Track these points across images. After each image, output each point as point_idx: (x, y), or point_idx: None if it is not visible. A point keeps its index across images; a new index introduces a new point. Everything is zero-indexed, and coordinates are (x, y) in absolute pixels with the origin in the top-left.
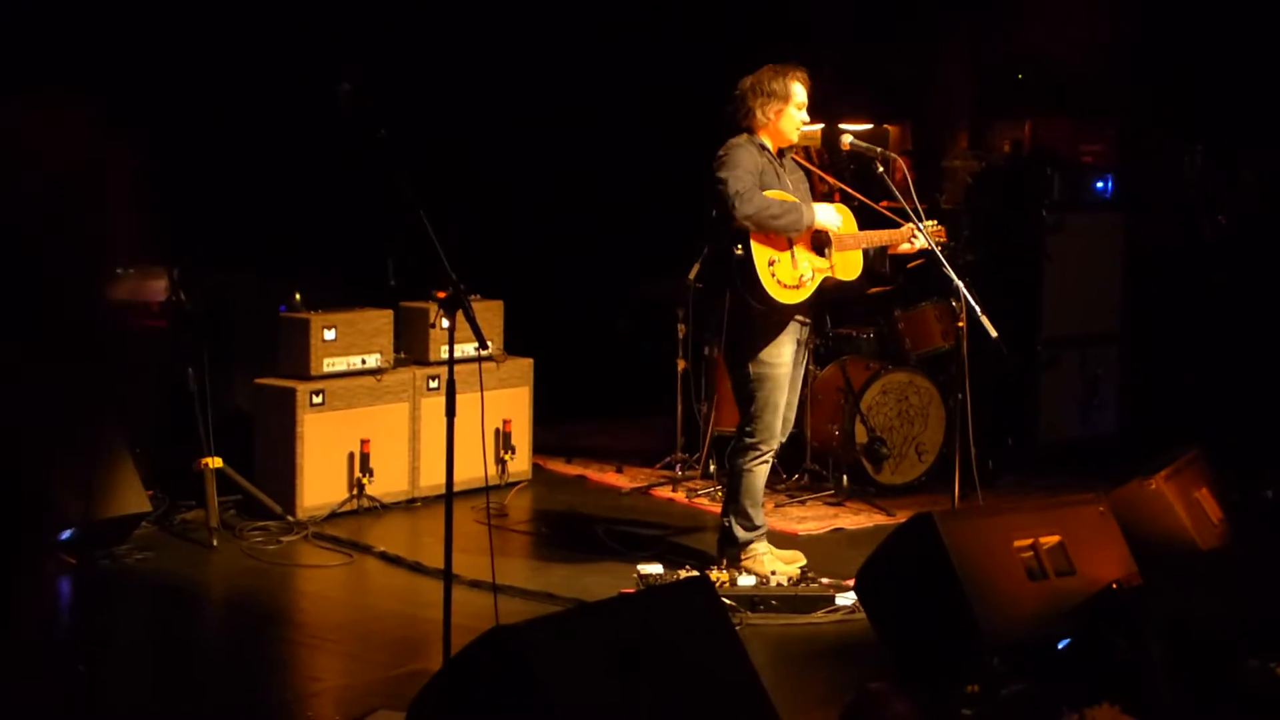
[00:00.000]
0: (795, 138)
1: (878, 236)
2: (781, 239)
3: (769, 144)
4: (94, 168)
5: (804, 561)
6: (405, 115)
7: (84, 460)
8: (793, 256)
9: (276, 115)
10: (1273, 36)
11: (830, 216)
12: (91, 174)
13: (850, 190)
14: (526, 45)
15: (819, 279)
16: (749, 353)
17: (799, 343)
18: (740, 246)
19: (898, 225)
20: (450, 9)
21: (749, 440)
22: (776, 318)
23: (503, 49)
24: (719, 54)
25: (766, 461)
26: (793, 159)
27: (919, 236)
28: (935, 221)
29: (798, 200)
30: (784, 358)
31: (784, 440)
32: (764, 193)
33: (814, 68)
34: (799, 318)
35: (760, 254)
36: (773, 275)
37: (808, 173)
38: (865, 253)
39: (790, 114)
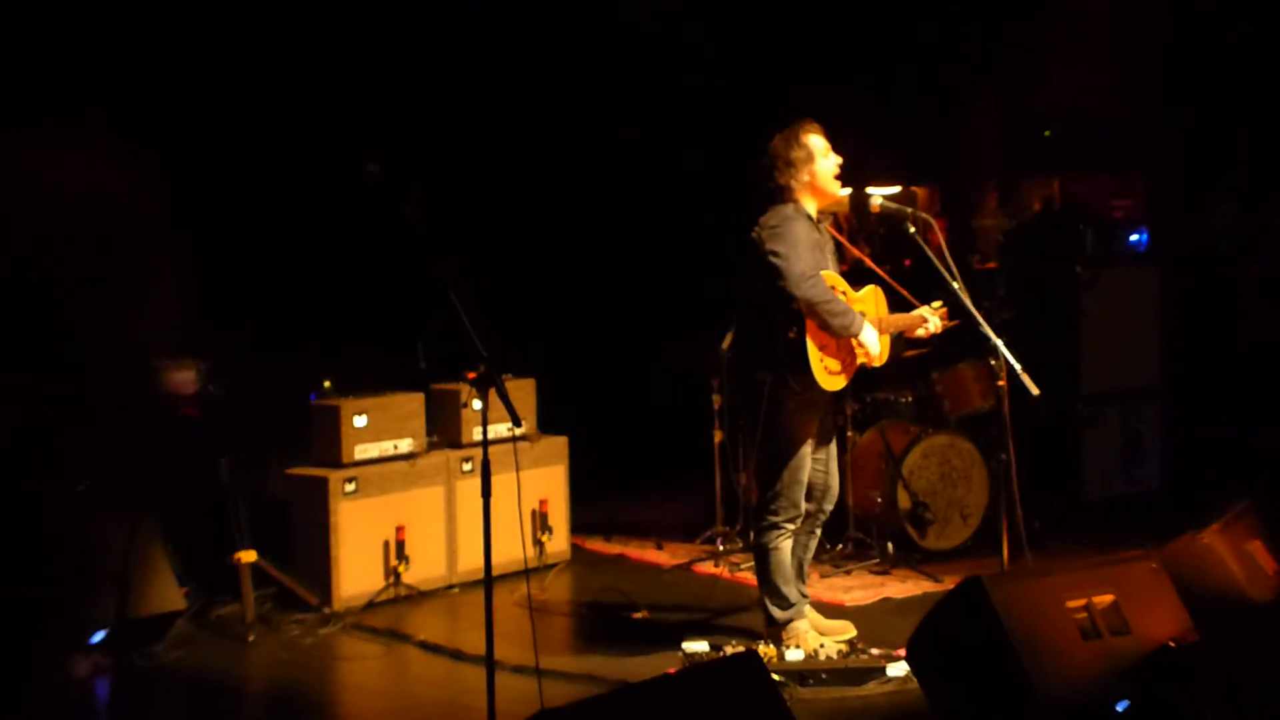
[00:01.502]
0: (838, 187)
1: (904, 321)
2: None
3: (813, 209)
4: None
5: (853, 633)
6: (432, 194)
7: (119, 558)
8: (838, 344)
9: (302, 202)
10: None
11: (874, 340)
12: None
13: (872, 265)
14: (551, 115)
15: (858, 364)
16: (780, 432)
17: (828, 418)
18: (795, 330)
19: (911, 306)
20: (473, 80)
21: (773, 518)
22: (812, 400)
23: (527, 120)
24: (749, 120)
25: (789, 536)
26: (825, 230)
27: (931, 319)
28: (940, 303)
29: (844, 286)
30: (811, 436)
31: (830, 508)
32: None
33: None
34: (828, 394)
35: (814, 339)
36: (821, 361)
37: (837, 244)
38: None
39: (822, 168)
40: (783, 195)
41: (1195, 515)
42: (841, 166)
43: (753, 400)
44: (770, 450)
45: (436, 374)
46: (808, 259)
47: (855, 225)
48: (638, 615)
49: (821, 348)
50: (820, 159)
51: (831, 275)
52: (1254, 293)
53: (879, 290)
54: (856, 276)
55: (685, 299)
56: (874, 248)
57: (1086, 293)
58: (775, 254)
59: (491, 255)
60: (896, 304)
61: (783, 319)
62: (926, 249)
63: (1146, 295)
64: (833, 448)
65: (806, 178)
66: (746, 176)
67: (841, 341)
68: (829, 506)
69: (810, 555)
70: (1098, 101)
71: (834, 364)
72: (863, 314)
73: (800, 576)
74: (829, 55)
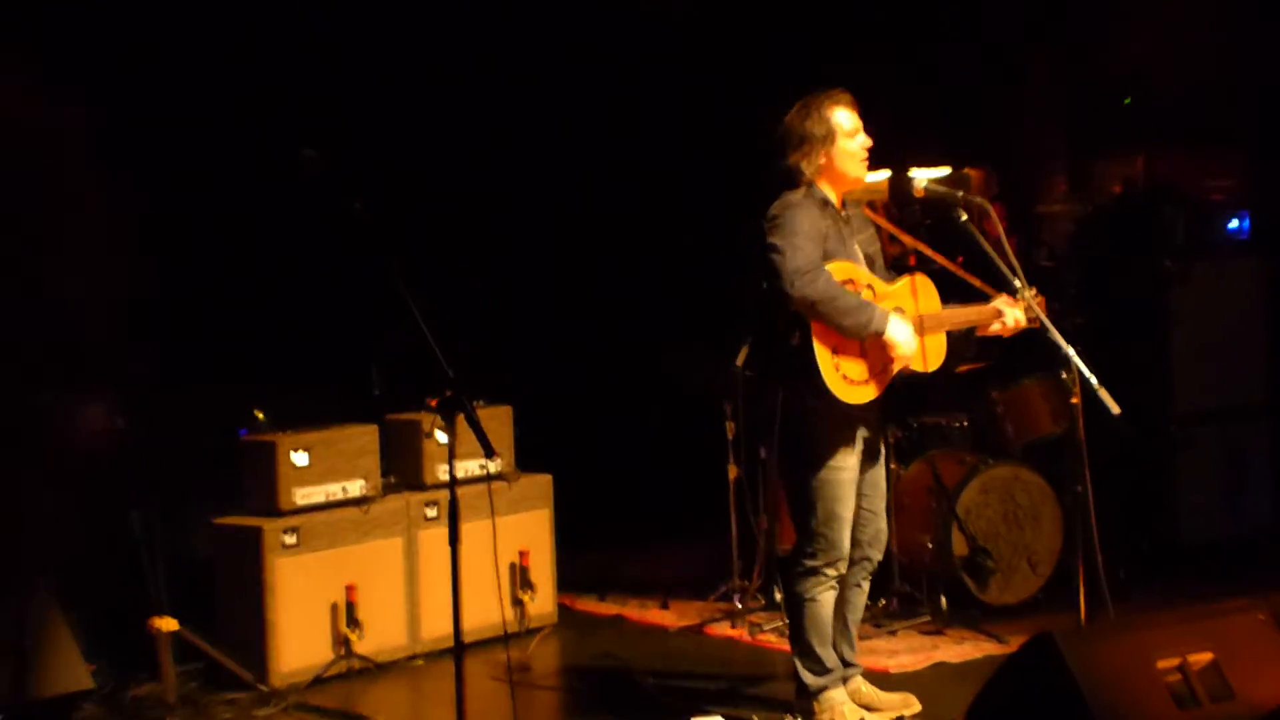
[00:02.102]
0: (863, 172)
1: (963, 315)
2: None
3: (832, 195)
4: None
5: (916, 708)
6: (386, 186)
7: (13, 629)
8: (862, 345)
9: (233, 197)
10: None
11: (903, 335)
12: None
13: (929, 251)
14: (540, 108)
15: (893, 371)
16: (807, 456)
17: (869, 438)
18: (797, 334)
19: (987, 298)
20: (450, 76)
21: (810, 563)
22: (840, 414)
23: (502, 112)
24: (762, 95)
25: (833, 587)
26: (862, 213)
27: (1010, 312)
28: (1035, 290)
29: (868, 279)
30: (850, 460)
31: (879, 557)
32: (830, 265)
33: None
34: (865, 414)
35: (824, 341)
36: (837, 368)
37: (878, 229)
38: (949, 334)
39: (845, 148)
40: (794, 178)
41: None
42: (878, 146)
43: (771, 422)
44: (799, 481)
45: (393, 401)
46: (808, 251)
47: (896, 215)
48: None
49: (835, 351)
50: (843, 139)
51: (846, 266)
52: None
53: (924, 279)
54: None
55: (691, 305)
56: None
57: (1177, 291)
58: (772, 248)
59: (459, 259)
60: (966, 298)
61: (784, 324)
62: (983, 241)
63: (1250, 293)
64: (880, 478)
65: (823, 160)
66: (763, 160)
67: (868, 342)
68: (877, 555)
69: (859, 614)
70: (1187, 60)
71: (856, 370)
72: (898, 309)
73: (847, 640)
74: (862, 14)
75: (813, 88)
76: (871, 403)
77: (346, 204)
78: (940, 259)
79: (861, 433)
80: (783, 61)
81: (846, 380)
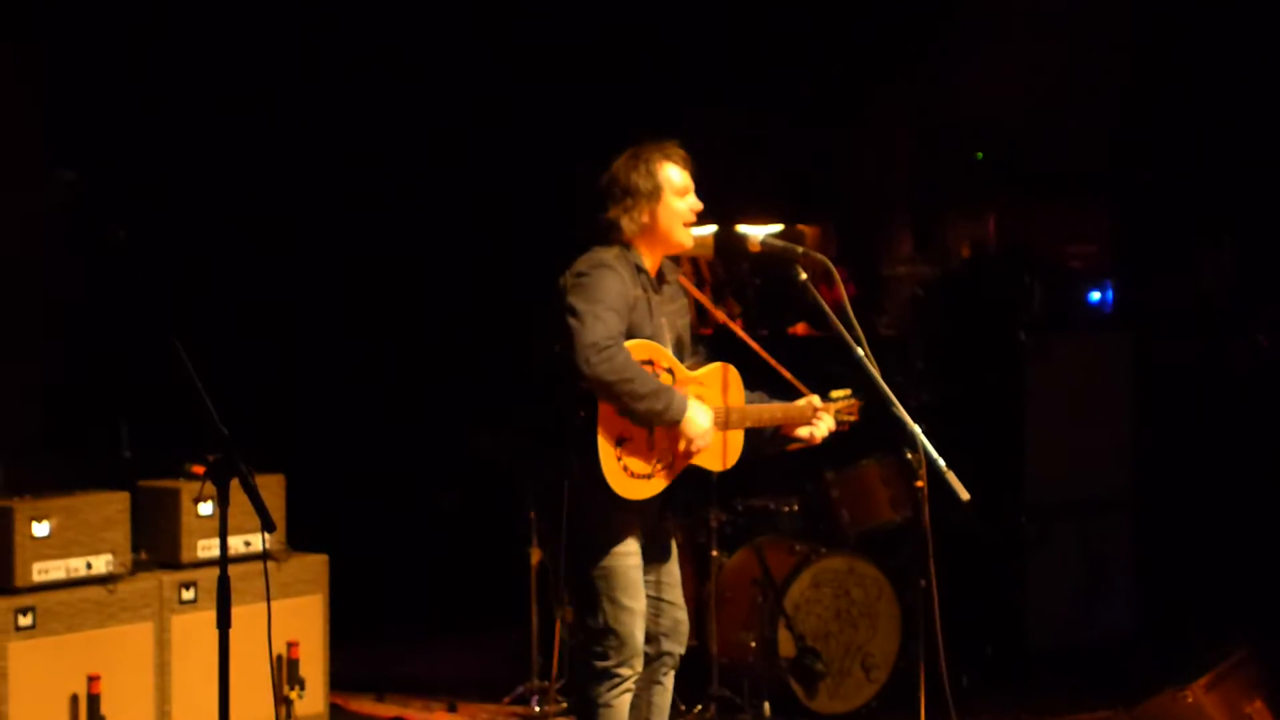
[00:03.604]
0: (688, 239)
1: (769, 413)
2: None
3: (648, 260)
4: None
5: None
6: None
7: None
8: (649, 435)
9: None
10: None
11: (700, 426)
12: None
13: (742, 334)
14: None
15: (681, 467)
16: (590, 539)
17: (654, 525)
18: (583, 413)
19: (800, 395)
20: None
21: (601, 663)
22: (625, 502)
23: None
24: (572, 146)
25: (629, 690)
26: (678, 282)
27: (822, 420)
28: (848, 392)
29: (669, 362)
30: (633, 546)
31: (680, 650)
32: (629, 342)
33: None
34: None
35: (609, 428)
36: (619, 460)
37: (696, 303)
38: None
39: (672, 207)
40: (610, 234)
41: (1177, 666)
42: (705, 195)
43: (551, 496)
44: (581, 568)
45: (146, 465)
46: (610, 323)
47: (723, 275)
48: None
49: (621, 442)
50: (671, 196)
51: (647, 345)
52: (1258, 370)
53: (730, 369)
54: (722, 350)
55: (501, 365)
56: (748, 305)
57: (1033, 367)
58: (571, 310)
59: (226, 303)
60: (775, 389)
61: (571, 398)
62: (824, 304)
63: (1114, 372)
64: (672, 564)
65: (646, 218)
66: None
67: (659, 431)
68: (676, 648)
69: (665, 717)
70: (1046, 113)
71: (640, 465)
72: (697, 398)
73: None
74: (688, 58)
75: (644, 138)
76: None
77: (109, 231)
78: (751, 342)
79: (646, 515)
80: (608, 110)
81: (627, 473)
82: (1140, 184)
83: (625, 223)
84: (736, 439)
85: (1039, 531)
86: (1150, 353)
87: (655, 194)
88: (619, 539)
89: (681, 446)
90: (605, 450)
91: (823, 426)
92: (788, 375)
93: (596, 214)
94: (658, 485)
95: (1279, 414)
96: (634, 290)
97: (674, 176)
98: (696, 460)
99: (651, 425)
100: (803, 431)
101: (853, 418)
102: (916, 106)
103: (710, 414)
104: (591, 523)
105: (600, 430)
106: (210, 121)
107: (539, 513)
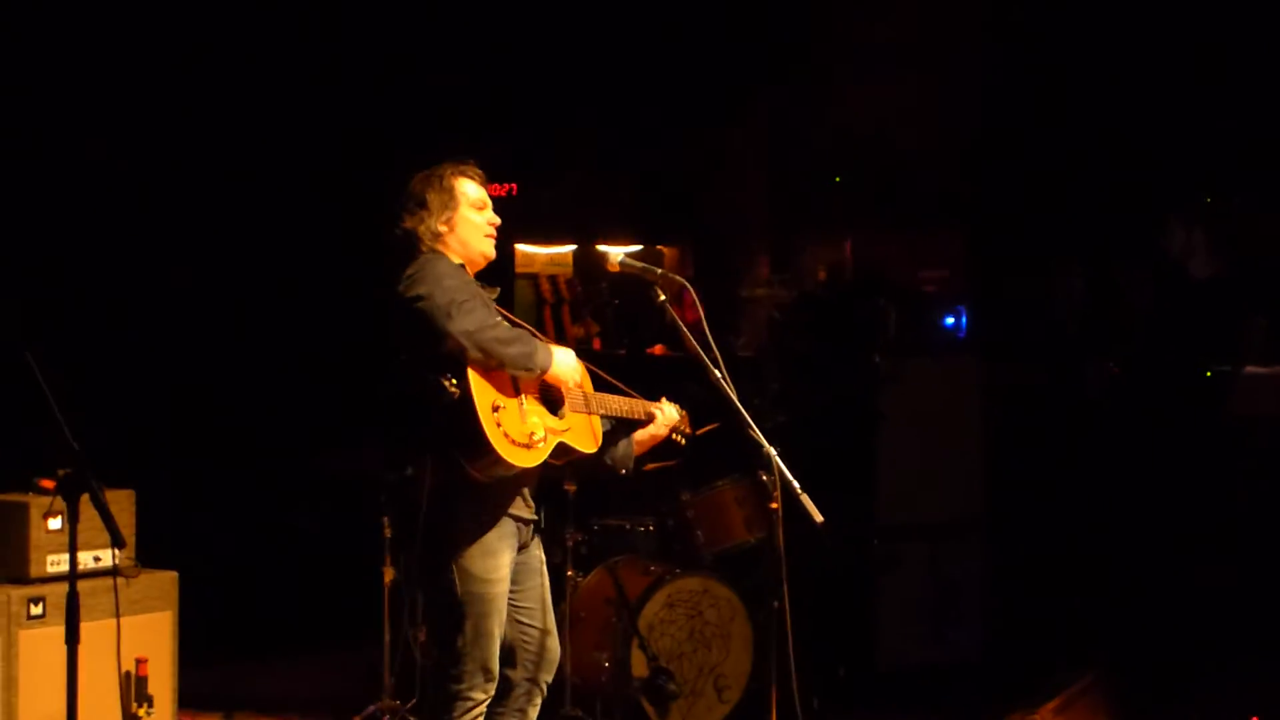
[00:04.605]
0: (489, 249)
1: (617, 404)
2: (507, 381)
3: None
4: None
5: None
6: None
7: None
8: (521, 406)
9: None
10: (1183, 108)
11: (569, 363)
12: None
13: (577, 333)
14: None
15: (553, 442)
16: (452, 555)
17: (521, 546)
18: (454, 382)
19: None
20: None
21: (456, 687)
22: (494, 502)
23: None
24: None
25: (480, 714)
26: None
27: (660, 414)
28: (677, 406)
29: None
30: (501, 570)
31: (548, 678)
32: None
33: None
34: (519, 514)
35: (482, 395)
36: (498, 425)
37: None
38: (605, 422)
39: (468, 220)
40: (412, 245)
41: (1025, 691)
42: (564, 215)
43: (410, 509)
44: (441, 589)
45: None
46: (459, 288)
47: (580, 295)
48: None
49: (495, 408)
50: (466, 208)
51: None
52: (1109, 396)
53: (582, 367)
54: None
55: (347, 382)
56: (606, 324)
57: (887, 390)
58: (416, 298)
59: (77, 316)
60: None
61: (436, 376)
62: (680, 325)
63: (966, 396)
64: (543, 587)
65: (442, 227)
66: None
67: (523, 402)
68: (545, 676)
69: None
70: (901, 136)
71: (516, 430)
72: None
73: None
74: (555, 78)
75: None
76: (530, 483)
77: None
78: (596, 369)
79: (514, 536)
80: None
81: (509, 439)
82: (994, 211)
83: (422, 230)
84: (596, 425)
85: (889, 553)
86: (1002, 377)
87: (451, 205)
88: (489, 555)
89: (560, 401)
90: (485, 415)
91: (664, 423)
92: (621, 386)
93: (393, 229)
94: (538, 456)
95: (1128, 439)
96: (472, 285)
97: (469, 190)
98: (570, 440)
99: (519, 388)
100: (648, 429)
101: (687, 431)
102: (775, 131)
103: (573, 355)
104: (458, 531)
105: (474, 397)
106: (55, 132)
107: (396, 533)
